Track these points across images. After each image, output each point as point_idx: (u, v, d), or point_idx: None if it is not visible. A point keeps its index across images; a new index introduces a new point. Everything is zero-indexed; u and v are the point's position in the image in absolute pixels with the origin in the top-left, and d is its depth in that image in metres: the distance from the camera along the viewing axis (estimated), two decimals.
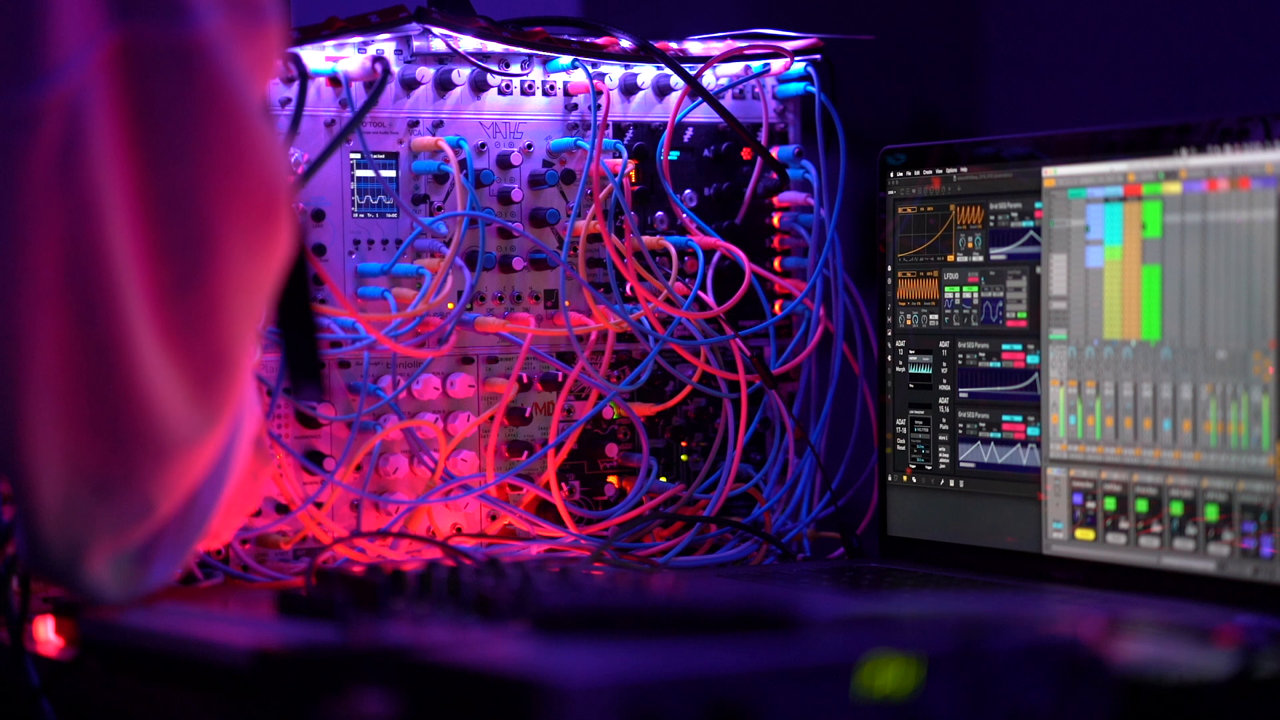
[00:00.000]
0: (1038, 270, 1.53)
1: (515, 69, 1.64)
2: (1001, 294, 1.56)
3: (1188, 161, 1.43)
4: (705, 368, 1.67)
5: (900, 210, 1.64)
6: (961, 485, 1.60)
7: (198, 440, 1.18)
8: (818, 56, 1.70)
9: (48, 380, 1.13)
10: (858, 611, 1.07)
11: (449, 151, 1.59)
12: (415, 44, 1.60)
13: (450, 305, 1.59)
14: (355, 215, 1.58)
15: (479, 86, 1.62)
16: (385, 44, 1.58)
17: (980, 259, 1.58)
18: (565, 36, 1.64)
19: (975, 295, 1.58)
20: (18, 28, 1.10)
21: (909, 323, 1.63)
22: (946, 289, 1.61)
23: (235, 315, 1.18)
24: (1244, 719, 1.10)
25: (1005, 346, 1.56)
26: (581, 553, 1.60)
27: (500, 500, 1.61)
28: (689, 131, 1.70)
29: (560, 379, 1.64)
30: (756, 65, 1.70)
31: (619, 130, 1.67)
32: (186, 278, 1.15)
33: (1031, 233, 1.54)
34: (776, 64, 1.70)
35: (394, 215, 1.60)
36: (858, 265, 1.80)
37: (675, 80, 1.66)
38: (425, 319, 1.57)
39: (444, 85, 1.61)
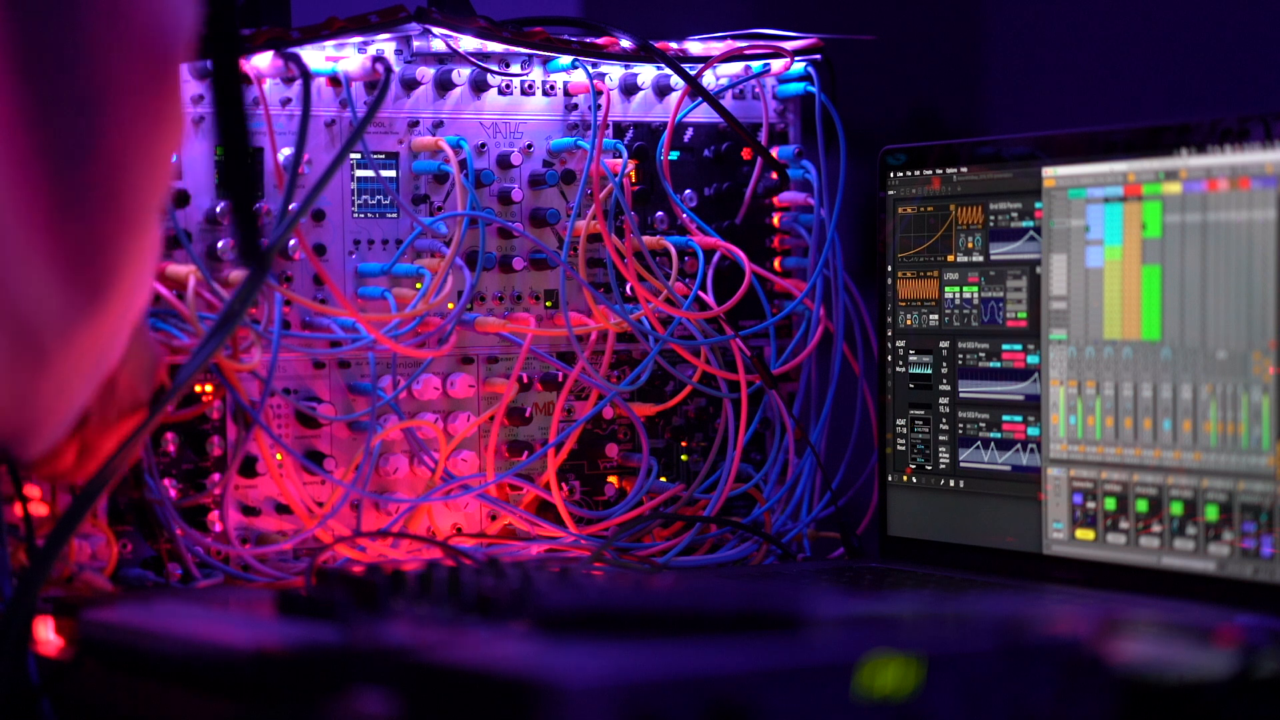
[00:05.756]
0: (1038, 270, 1.53)
1: (515, 69, 1.63)
2: (1001, 294, 1.56)
3: (1188, 161, 1.43)
4: (705, 368, 1.67)
5: (900, 210, 1.64)
6: (961, 485, 1.60)
7: (69, 330, 1.06)
8: (818, 56, 1.70)
9: None
10: (858, 611, 1.07)
11: (449, 151, 1.59)
12: (415, 44, 1.60)
13: (450, 305, 1.59)
14: (355, 215, 1.59)
15: (479, 86, 1.62)
16: (385, 44, 1.58)
17: (980, 259, 1.58)
18: (565, 36, 1.64)
19: (975, 295, 1.58)
20: None
21: (909, 323, 1.63)
22: (946, 289, 1.61)
23: (127, 190, 1.04)
24: (1244, 719, 1.10)
25: (1005, 346, 1.56)
26: (581, 553, 1.60)
27: (500, 500, 1.61)
28: (689, 131, 1.70)
29: (560, 379, 1.64)
30: (756, 65, 1.70)
31: (619, 130, 1.67)
32: (73, 147, 1.02)
33: (1031, 233, 1.54)
34: (776, 64, 1.70)
35: (394, 215, 1.60)
36: (858, 265, 1.80)
37: (675, 80, 1.66)
38: (425, 319, 1.57)
39: (444, 85, 1.61)
